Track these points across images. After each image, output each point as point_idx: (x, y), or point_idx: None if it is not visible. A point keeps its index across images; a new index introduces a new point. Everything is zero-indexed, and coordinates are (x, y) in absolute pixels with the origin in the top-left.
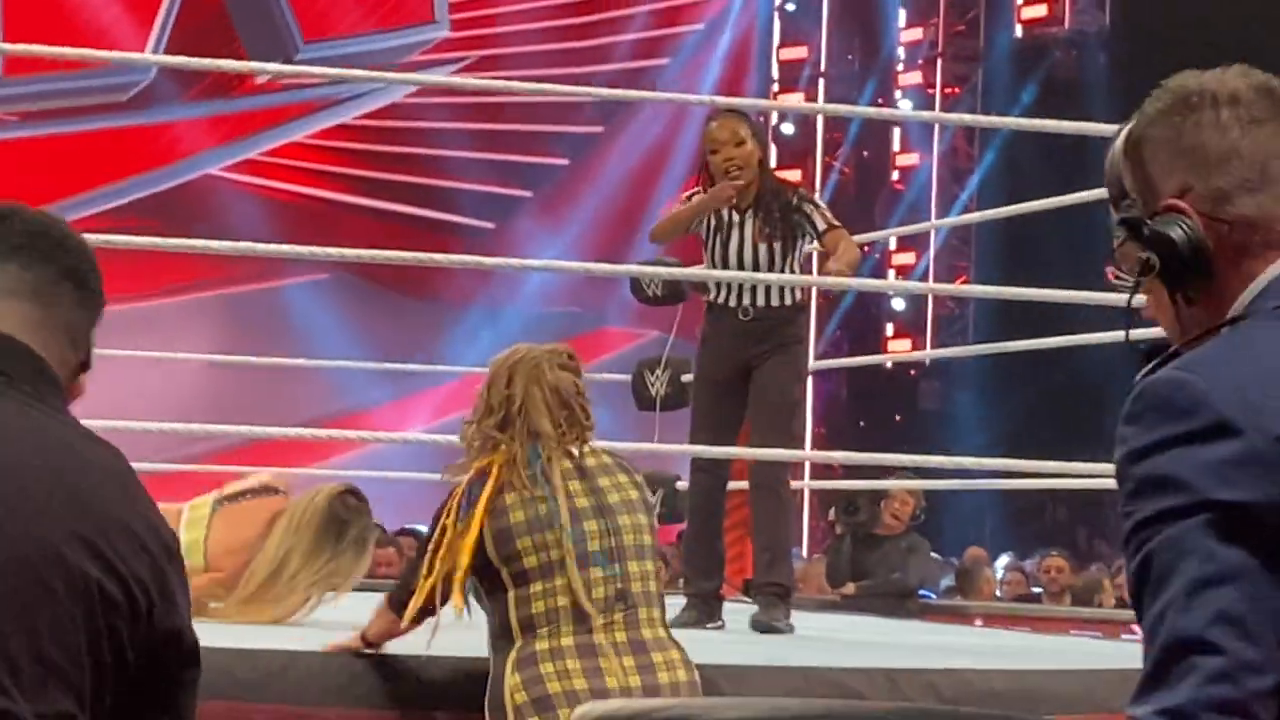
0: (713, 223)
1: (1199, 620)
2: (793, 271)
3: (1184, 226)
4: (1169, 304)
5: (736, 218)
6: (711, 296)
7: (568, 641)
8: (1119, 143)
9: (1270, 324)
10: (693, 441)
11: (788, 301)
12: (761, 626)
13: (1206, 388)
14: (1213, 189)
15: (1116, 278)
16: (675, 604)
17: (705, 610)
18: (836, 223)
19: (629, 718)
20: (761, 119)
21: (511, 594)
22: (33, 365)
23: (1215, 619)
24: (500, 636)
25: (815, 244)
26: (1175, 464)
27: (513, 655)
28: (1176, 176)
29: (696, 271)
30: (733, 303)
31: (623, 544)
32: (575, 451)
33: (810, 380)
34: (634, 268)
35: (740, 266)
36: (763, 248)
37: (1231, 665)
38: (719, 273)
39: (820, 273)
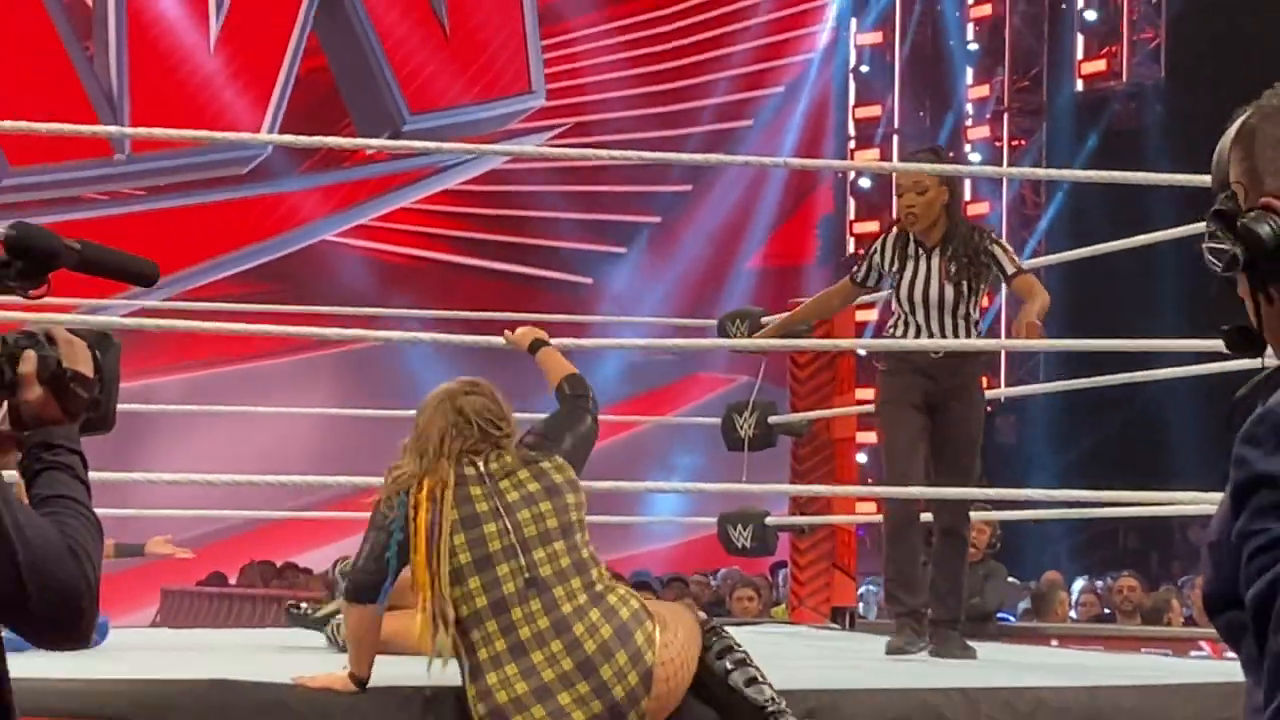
0: (899, 264)
1: None
2: (974, 310)
3: (1273, 225)
4: (1250, 299)
5: (923, 257)
6: (898, 333)
7: (501, 646)
8: (1231, 132)
9: None
10: (888, 465)
11: (974, 334)
12: (939, 654)
13: None
14: None
15: (1210, 263)
16: (765, 630)
17: (914, 631)
18: (1024, 266)
19: None
20: (839, 178)
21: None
22: None
23: None
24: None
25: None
26: None
27: (467, 666)
28: None
29: (780, 342)
30: (919, 337)
31: (523, 537)
32: (480, 464)
33: None
34: (728, 341)
35: (926, 305)
36: (949, 288)
37: None
38: (802, 342)
39: (1016, 319)
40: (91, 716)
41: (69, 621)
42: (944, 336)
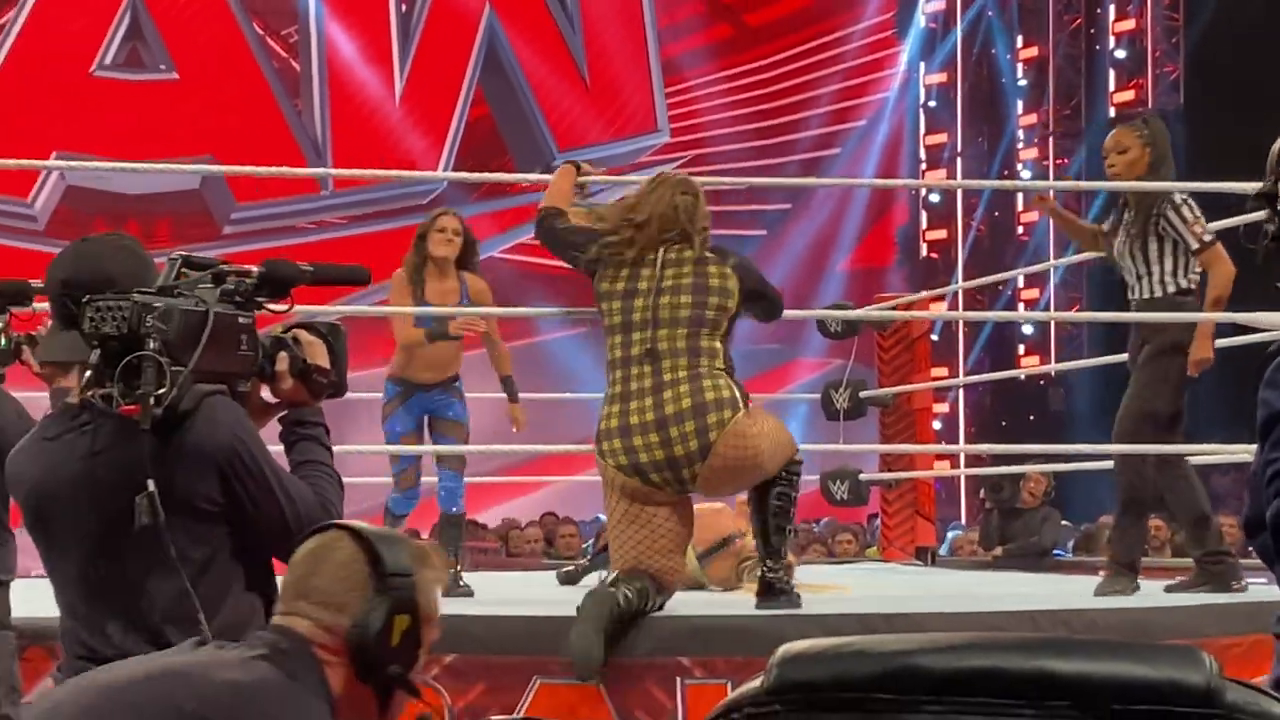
0: (1114, 221)
1: None
2: (1172, 268)
3: None
4: None
5: (1129, 219)
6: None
7: (618, 390)
8: None
9: None
10: (1120, 416)
11: (1169, 290)
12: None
13: None
14: None
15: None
16: (862, 566)
17: (1125, 579)
18: (1208, 239)
19: (819, 653)
20: (913, 194)
21: (606, 340)
22: None
23: None
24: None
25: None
26: None
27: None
28: None
29: (870, 313)
30: (1131, 296)
31: (656, 316)
32: (663, 252)
33: (962, 391)
34: (818, 312)
35: (1123, 263)
36: (1150, 244)
37: None
38: (880, 313)
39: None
40: None
41: None
42: (1143, 294)
